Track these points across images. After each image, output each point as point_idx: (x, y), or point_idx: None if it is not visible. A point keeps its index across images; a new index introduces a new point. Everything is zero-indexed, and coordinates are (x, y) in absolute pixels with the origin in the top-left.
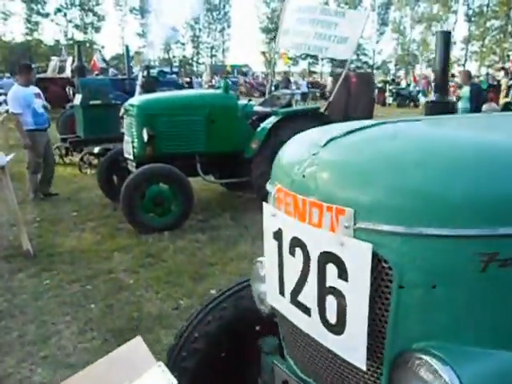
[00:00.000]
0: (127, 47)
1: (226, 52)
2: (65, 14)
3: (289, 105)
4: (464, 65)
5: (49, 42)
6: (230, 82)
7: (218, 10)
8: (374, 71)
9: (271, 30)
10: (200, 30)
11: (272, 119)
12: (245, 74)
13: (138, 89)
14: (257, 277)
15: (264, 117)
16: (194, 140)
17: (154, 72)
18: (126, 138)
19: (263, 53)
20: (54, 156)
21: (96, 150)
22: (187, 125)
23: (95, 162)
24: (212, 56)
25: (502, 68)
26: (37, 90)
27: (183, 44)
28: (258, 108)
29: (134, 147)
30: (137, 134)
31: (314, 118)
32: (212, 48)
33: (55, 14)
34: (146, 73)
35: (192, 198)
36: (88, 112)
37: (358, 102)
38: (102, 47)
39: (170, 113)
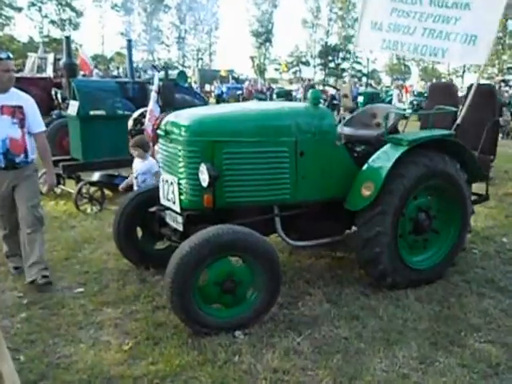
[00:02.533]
0: (129, 42)
1: (213, 55)
2: (40, 9)
3: (395, 127)
4: (462, 76)
5: (22, 39)
6: (224, 89)
7: (206, 10)
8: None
9: (261, 34)
10: (186, 31)
11: (389, 150)
12: (236, 80)
13: (153, 95)
14: None
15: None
16: (274, 183)
17: (172, 74)
18: (166, 176)
19: (252, 58)
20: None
21: (95, 177)
22: (266, 159)
23: (98, 194)
24: (198, 59)
25: (503, 81)
26: (14, 99)
27: (168, 46)
28: (347, 130)
29: (181, 193)
30: (187, 173)
31: (447, 148)
32: (198, 51)
33: (29, 8)
34: (163, 74)
35: (280, 279)
36: (88, 126)
37: (481, 128)
38: (80, 46)
39: (242, 140)
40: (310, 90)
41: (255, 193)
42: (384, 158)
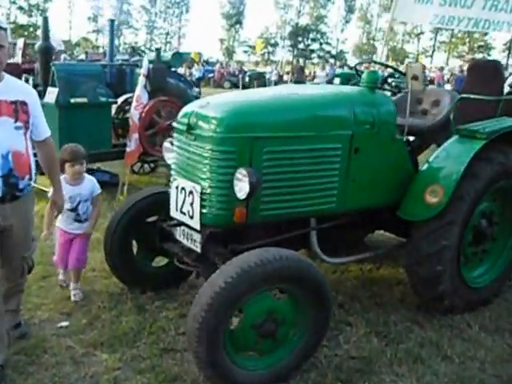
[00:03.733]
0: (112, 22)
1: (182, 38)
2: None
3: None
4: (432, 56)
5: None
6: (201, 71)
7: None
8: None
9: (232, 16)
10: (156, 14)
11: (459, 145)
12: (206, 62)
13: (141, 79)
14: None
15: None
16: (320, 189)
17: (166, 56)
18: (183, 182)
19: (221, 40)
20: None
21: None
22: (314, 159)
23: None
24: (167, 43)
25: (473, 59)
26: (14, 91)
27: (136, 29)
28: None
29: (205, 205)
30: (217, 180)
31: None
32: (167, 34)
33: None
34: (154, 56)
35: (330, 316)
36: (67, 115)
37: None
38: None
39: (288, 136)
40: (366, 71)
41: (297, 202)
42: (453, 155)
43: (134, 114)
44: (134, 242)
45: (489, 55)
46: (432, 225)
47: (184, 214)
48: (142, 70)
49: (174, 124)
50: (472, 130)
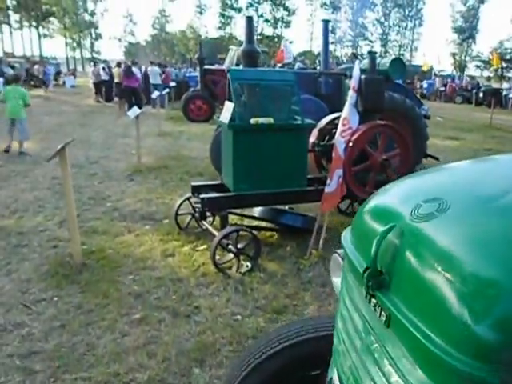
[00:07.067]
0: (326, 22)
1: (415, 51)
2: (256, 9)
3: None
4: None
5: (241, 38)
6: (425, 85)
7: (411, 6)
8: None
9: (464, 30)
10: (390, 27)
11: None
12: (436, 76)
13: (350, 95)
14: None
15: None
16: None
17: (382, 63)
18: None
19: (453, 54)
20: None
21: (257, 211)
22: None
23: (249, 245)
24: (400, 55)
25: None
26: None
27: (371, 42)
28: None
29: None
30: None
31: None
32: (400, 47)
33: (247, 8)
34: (367, 64)
35: None
36: (246, 141)
37: None
38: (290, 42)
39: None
40: None
41: None
42: None
43: (339, 142)
44: None
45: None
46: None
47: None
48: (352, 82)
49: (343, 248)
50: None
